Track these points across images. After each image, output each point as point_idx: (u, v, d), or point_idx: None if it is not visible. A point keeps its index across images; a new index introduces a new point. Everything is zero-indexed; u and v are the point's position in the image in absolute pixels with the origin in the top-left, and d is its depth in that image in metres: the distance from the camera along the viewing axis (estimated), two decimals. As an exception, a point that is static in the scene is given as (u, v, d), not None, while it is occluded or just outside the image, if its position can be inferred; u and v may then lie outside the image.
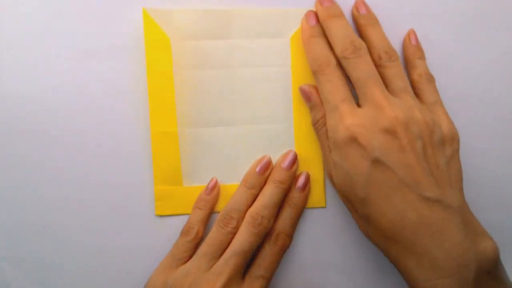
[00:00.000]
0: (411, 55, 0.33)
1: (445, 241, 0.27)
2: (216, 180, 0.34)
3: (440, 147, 0.29)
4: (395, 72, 0.31)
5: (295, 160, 0.33)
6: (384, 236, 0.29)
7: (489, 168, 0.34)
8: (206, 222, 0.33)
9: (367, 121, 0.29)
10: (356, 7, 0.33)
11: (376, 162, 0.28)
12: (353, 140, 0.29)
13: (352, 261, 0.35)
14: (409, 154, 0.28)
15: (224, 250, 0.32)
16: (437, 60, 0.34)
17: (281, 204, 0.33)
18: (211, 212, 0.34)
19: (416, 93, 0.32)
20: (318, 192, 0.34)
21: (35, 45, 0.33)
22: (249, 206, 0.33)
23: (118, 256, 0.34)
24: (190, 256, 0.32)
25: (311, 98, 0.33)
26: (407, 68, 0.34)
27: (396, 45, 0.34)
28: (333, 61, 0.31)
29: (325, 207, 0.34)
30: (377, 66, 0.31)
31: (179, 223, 0.34)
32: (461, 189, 0.30)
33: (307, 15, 0.33)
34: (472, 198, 0.30)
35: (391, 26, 0.34)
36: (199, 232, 0.33)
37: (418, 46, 0.34)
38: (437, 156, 0.29)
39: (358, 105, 0.31)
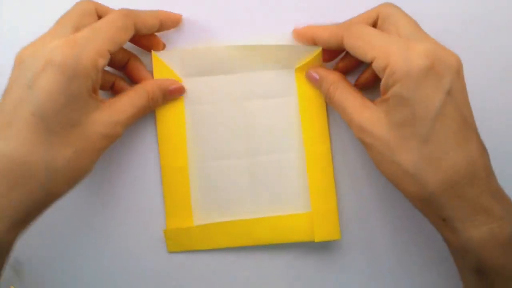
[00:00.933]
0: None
1: (492, 186, 0.27)
2: None
3: None
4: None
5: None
6: (440, 180, 0.26)
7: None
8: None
9: (437, 49, 0.27)
10: None
11: (449, 95, 0.26)
12: (431, 68, 0.26)
13: (371, 275, 0.34)
14: (467, 97, 0.28)
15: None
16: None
17: None
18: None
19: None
20: (332, 223, 0.33)
21: None
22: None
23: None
24: None
25: (318, 73, 0.32)
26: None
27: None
28: (356, 21, 0.30)
29: (339, 239, 0.33)
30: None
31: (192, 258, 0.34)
32: None
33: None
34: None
35: None
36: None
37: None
38: None
39: None
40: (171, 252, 0.34)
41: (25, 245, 0.34)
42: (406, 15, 0.29)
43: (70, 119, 0.27)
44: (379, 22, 0.30)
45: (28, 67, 0.27)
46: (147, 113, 0.32)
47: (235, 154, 0.34)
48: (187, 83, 0.33)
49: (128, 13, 0.29)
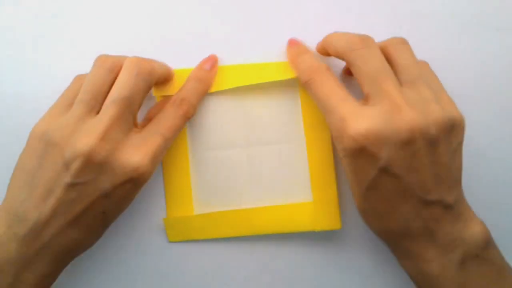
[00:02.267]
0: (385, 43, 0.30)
1: (435, 234, 0.28)
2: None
3: (449, 139, 0.27)
4: (408, 57, 0.29)
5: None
6: (377, 230, 0.29)
7: (489, 168, 0.34)
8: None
9: (377, 123, 0.26)
10: None
11: (384, 170, 0.26)
12: (361, 150, 0.26)
13: (369, 283, 0.34)
14: (420, 158, 0.26)
15: (105, 96, 0.29)
16: (436, 60, 0.33)
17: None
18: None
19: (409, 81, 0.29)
20: (333, 213, 0.33)
21: (36, 45, 0.34)
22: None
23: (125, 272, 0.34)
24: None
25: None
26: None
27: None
28: (323, 66, 0.30)
29: (340, 228, 0.33)
30: (387, 47, 0.29)
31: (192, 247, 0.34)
32: (459, 181, 0.29)
33: (290, 41, 0.33)
34: (472, 198, 0.29)
35: (391, 26, 0.34)
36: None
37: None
38: (445, 152, 0.27)
39: (365, 103, 0.28)
40: (172, 242, 0.34)
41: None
42: (370, 52, 0.28)
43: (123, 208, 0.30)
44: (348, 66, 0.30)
45: (105, 173, 0.27)
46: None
47: (235, 144, 0.34)
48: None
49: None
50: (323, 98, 0.28)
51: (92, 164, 0.27)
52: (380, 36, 0.33)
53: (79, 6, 0.34)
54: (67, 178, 0.27)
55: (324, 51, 0.32)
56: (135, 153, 0.28)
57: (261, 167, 0.34)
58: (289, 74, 0.33)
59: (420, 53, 0.33)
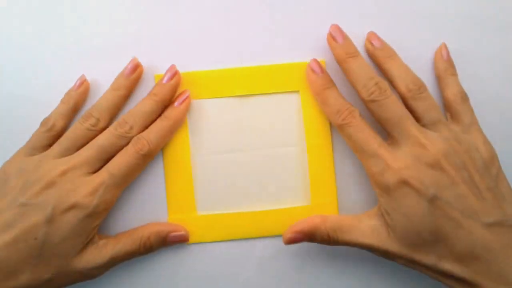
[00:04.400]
0: (443, 72, 0.33)
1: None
2: (85, 77, 0.34)
3: (485, 170, 0.30)
4: (427, 104, 0.31)
5: (174, 74, 0.33)
6: (456, 262, 0.29)
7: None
8: (69, 118, 0.33)
9: (412, 162, 0.29)
10: (369, 40, 0.33)
11: (434, 199, 0.28)
12: (405, 183, 0.29)
13: (371, 275, 0.34)
14: (460, 185, 0.29)
15: (81, 146, 0.32)
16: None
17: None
18: (75, 109, 0.33)
19: (451, 113, 0.33)
20: (332, 213, 0.34)
21: (35, 45, 0.34)
22: (115, 107, 0.33)
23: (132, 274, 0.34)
24: (47, 148, 0.32)
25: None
26: (439, 85, 0.34)
27: (397, 47, 0.34)
28: (356, 110, 0.31)
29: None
30: (407, 99, 0.31)
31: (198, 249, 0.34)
32: None
33: (311, 64, 0.33)
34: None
35: (391, 26, 0.34)
36: (56, 125, 0.32)
37: (450, 62, 0.34)
38: (485, 180, 0.29)
39: (391, 146, 0.31)
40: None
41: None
42: (389, 101, 0.31)
43: (65, 252, 0.30)
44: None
45: (47, 201, 0.29)
46: (141, 256, 0.33)
47: (237, 148, 0.34)
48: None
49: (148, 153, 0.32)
50: (362, 143, 0.31)
51: (47, 189, 0.30)
52: (380, 36, 0.34)
53: (79, 4, 0.35)
54: (21, 199, 0.29)
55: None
56: (82, 185, 0.30)
57: (262, 170, 0.34)
58: (290, 82, 0.34)
59: (420, 53, 0.34)
